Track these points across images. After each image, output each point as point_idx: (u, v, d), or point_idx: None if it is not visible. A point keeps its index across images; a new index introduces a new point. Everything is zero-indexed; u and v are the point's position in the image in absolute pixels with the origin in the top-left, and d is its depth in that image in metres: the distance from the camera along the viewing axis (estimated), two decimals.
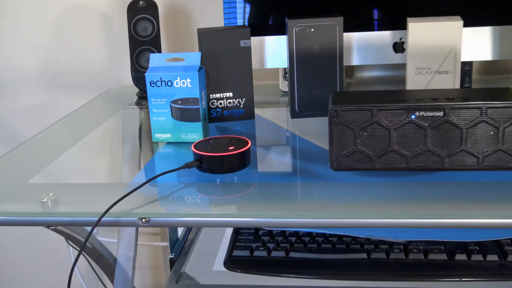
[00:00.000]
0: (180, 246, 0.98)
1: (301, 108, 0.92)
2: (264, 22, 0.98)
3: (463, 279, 0.75)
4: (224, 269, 0.83)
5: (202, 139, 0.79)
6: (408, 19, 0.84)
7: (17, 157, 0.81)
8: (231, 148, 0.72)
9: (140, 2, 1.06)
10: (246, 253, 0.85)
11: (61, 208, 0.64)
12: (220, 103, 0.93)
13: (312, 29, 0.87)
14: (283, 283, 0.82)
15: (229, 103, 0.93)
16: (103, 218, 0.61)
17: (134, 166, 0.81)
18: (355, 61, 0.99)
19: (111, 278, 0.98)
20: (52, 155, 0.82)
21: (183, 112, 0.82)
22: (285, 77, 1.11)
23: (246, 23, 0.98)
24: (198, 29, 0.89)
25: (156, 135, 0.84)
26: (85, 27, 1.25)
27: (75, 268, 1.38)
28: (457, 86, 0.86)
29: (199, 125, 0.83)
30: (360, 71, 1.10)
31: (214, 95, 0.93)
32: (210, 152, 0.71)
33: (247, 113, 0.93)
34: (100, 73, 1.27)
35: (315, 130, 0.88)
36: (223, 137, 0.76)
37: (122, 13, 1.22)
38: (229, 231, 0.99)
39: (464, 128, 0.63)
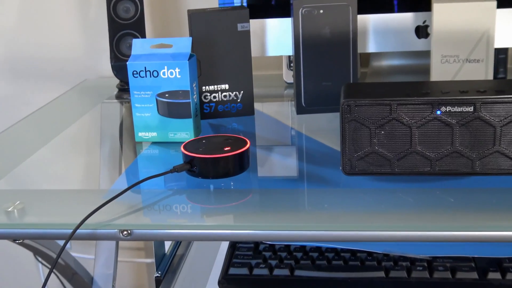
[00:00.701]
0: (167, 263, 0.98)
1: (309, 102, 0.92)
2: (265, 3, 0.98)
3: None
4: None
5: (193, 138, 0.80)
6: None
7: None
8: (227, 149, 0.72)
9: None
10: (244, 270, 0.85)
11: (29, 219, 0.64)
12: (214, 97, 0.93)
13: (321, 11, 0.87)
14: None
15: (225, 96, 0.93)
16: (78, 231, 0.62)
17: (114, 170, 0.80)
18: (371, 47, 0.98)
19: None
20: (18, 157, 0.82)
21: (171, 107, 0.82)
22: (290, 66, 1.11)
23: (245, 4, 0.98)
24: (189, 11, 0.89)
25: (140, 134, 0.84)
26: (57, 7, 1.24)
27: None
28: (490, 77, 0.86)
29: (189, 122, 0.83)
30: (377, 60, 1.09)
31: (207, 87, 0.92)
32: (203, 154, 0.71)
33: (246, 108, 0.93)
34: (75, 61, 1.26)
35: (324, 128, 0.88)
36: (218, 136, 0.77)
37: None
38: (224, 246, 0.97)
39: (498, 126, 0.63)
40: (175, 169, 0.71)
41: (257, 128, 0.90)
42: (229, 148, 0.72)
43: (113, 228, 0.62)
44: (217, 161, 0.71)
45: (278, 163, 0.77)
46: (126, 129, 0.94)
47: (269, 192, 0.69)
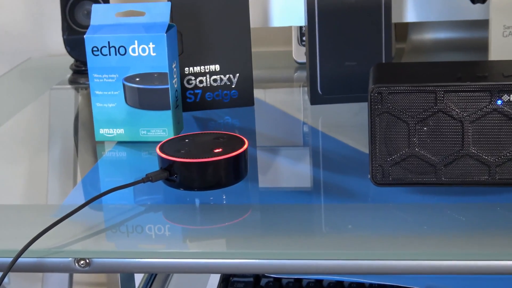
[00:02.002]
0: None
1: (326, 89, 0.92)
2: None
3: None
4: None
5: (172, 137, 0.80)
6: None
7: None
8: (217, 150, 0.72)
9: None
10: None
11: None
12: (201, 82, 0.93)
13: None
14: None
15: (215, 81, 0.93)
16: (20, 259, 0.61)
17: (67, 179, 0.80)
18: (409, 16, 0.99)
19: None
20: None
21: (144, 95, 0.83)
22: (302, 41, 1.11)
23: None
24: None
25: (101, 131, 0.84)
26: None
27: None
28: None
29: (167, 115, 0.83)
30: (418, 32, 1.09)
31: (191, 68, 0.92)
32: (185, 157, 0.71)
33: (243, 97, 0.93)
34: (15, 34, 1.26)
35: (347, 123, 0.88)
36: (206, 134, 0.77)
37: None
38: (214, 280, 0.99)
39: None
40: (149, 178, 0.71)
41: (258, 123, 0.91)
42: (220, 150, 0.72)
43: (66, 256, 0.62)
44: (204, 167, 0.71)
45: (286, 170, 0.77)
46: (83, 125, 0.94)
47: (274, 208, 0.69)
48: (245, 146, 0.73)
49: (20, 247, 0.61)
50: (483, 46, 1.02)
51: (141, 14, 0.82)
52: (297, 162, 0.79)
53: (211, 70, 0.93)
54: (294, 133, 0.87)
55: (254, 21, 1.00)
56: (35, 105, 1.02)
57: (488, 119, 0.66)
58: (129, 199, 0.72)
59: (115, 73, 0.83)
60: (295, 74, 1.10)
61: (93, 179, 0.77)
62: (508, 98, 0.65)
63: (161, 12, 0.82)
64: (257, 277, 0.91)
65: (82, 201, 0.68)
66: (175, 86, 0.84)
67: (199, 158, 0.71)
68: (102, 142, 0.85)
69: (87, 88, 1.07)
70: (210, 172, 0.71)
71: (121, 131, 0.84)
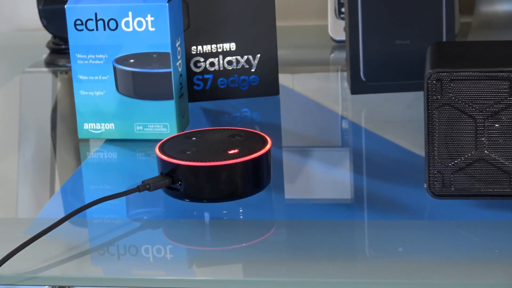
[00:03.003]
0: None
1: (371, 74, 0.93)
2: None
3: None
4: None
5: (176, 134, 0.80)
6: None
7: None
8: (232, 152, 0.73)
9: None
10: None
11: None
12: (212, 64, 0.94)
13: None
14: None
15: (229, 63, 0.94)
16: None
17: (42, 187, 0.81)
18: None
19: None
20: None
21: (140, 80, 0.83)
22: (340, 13, 1.12)
23: None
24: None
25: (86, 126, 0.85)
26: None
27: None
28: None
29: (169, 106, 0.84)
30: (488, 3, 1.10)
31: (200, 48, 0.93)
32: (192, 160, 0.72)
33: (265, 84, 0.94)
34: None
35: (396, 118, 0.88)
36: (218, 131, 0.77)
37: None
38: None
39: None
40: (146, 186, 0.71)
41: (284, 117, 0.91)
42: (236, 151, 0.72)
43: (41, 283, 0.62)
44: (216, 173, 0.71)
45: (319, 177, 0.78)
46: (63, 118, 0.95)
47: (304, 225, 0.69)
48: (268, 146, 0.73)
49: None
50: None
51: None
52: (334, 167, 0.80)
53: (225, 50, 0.93)
54: (329, 131, 0.88)
55: None
56: (2, 92, 1.03)
57: None
58: (121, 212, 0.72)
59: (103, 53, 0.84)
60: (332, 55, 1.11)
61: (75, 187, 0.78)
62: None
63: None
64: None
65: (62, 215, 0.68)
66: (180, 69, 0.85)
67: (209, 161, 0.71)
68: (87, 140, 0.86)
69: (68, 71, 1.08)
70: (223, 179, 0.72)
71: (111, 126, 0.85)
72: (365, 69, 0.92)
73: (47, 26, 1.12)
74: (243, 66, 0.94)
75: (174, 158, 0.72)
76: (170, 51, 0.82)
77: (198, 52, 0.93)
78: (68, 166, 0.83)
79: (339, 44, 1.12)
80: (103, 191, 0.72)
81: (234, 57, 0.94)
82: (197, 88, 0.94)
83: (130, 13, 0.82)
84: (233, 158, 0.71)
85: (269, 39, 0.93)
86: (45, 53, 1.14)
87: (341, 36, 1.11)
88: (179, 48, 0.85)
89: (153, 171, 0.75)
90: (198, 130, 0.78)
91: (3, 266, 0.62)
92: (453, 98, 0.67)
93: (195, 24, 0.92)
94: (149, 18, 0.82)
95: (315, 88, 0.99)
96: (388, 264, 0.62)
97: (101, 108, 0.85)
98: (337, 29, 1.12)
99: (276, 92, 0.94)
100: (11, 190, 0.80)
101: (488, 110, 0.66)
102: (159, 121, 0.84)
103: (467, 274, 0.61)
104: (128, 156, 0.83)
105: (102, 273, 0.64)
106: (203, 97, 0.94)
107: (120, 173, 0.82)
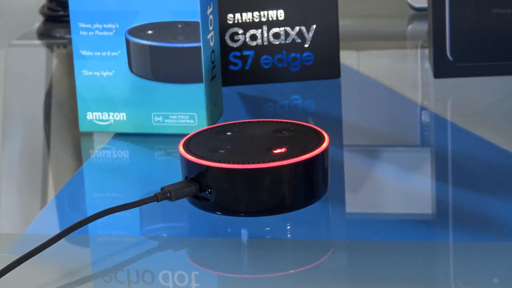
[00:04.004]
0: None
1: (460, 52, 0.92)
2: None
3: None
4: None
5: (206, 127, 0.80)
6: None
7: None
8: (279, 151, 0.72)
9: None
10: None
11: None
12: (254, 37, 0.94)
13: None
14: None
15: (276, 36, 0.94)
16: None
17: (32, 194, 0.80)
18: None
19: None
20: None
21: (161, 57, 0.83)
22: None
23: None
24: None
25: (90, 116, 0.86)
26: None
27: None
28: None
29: (198, 91, 0.84)
30: None
31: (238, 16, 0.93)
32: (226, 161, 0.71)
33: (322, 64, 0.94)
34: None
35: (493, 110, 0.87)
36: (260, 124, 0.78)
37: None
38: None
39: None
40: (166, 194, 0.71)
41: (347, 107, 0.90)
42: (283, 150, 0.72)
43: None
44: (257, 178, 0.71)
45: (391, 186, 0.77)
46: (60, 106, 0.95)
47: (370, 248, 0.69)
48: (325, 145, 0.73)
49: None
50: None
51: None
52: (410, 173, 0.79)
53: (270, 19, 0.93)
54: (406, 125, 0.86)
55: None
56: None
57: None
58: (133, 228, 0.73)
59: (113, 22, 0.84)
60: (409, 26, 1.10)
61: (74, 195, 0.78)
62: None
63: None
64: None
65: (56, 230, 0.67)
66: (211, 44, 0.84)
67: (248, 163, 0.71)
68: (91, 134, 0.86)
69: (67, 45, 1.08)
70: (266, 186, 0.71)
71: (121, 116, 0.85)
72: (453, 45, 0.91)
73: None
74: (293, 40, 0.93)
75: (203, 158, 0.72)
76: (199, 20, 0.82)
77: (236, 21, 0.93)
78: (65, 168, 0.83)
79: (419, 13, 1.11)
80: (110, 200, 0.72)
81: (282, 29, 0.93)
82: (233, 69, 0.94)
83: None
84: (279, 160, 0.71)
85: (328, 5, 0.92)
86: (38, 21, 1.14)
87: (422, 2, 1.11)
88: (211, 16, 0.84)
89: (176, 175, 0.75)
90: (235, 123, 0.78)
91: None
92: None
93: None
94: None
95: (387, 70, 0.98)
96: None
97: (110, 93, 0.85)
98: None
99: (337, 75, 0.94)
100: None
101: None
102: (184, 111, 0.84)
103: None
104: (144, 156, 0.83)
105: None
106: (241, 79, 0.94)
107: (133, 177, 0.82)
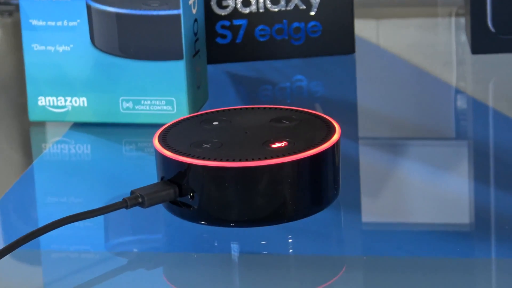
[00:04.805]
0: None
1: (504, 22, 0.92)
2: None
3: None
4: None
5: (187, 115, 0.81)
6: None
7: None
8: (278, 145, 0.71)
9: None
10: None
11: None
12: (247, 3, 0.93)
13: None
14: None
15: (275, 1, 0.94)
16: None
17: None
18: None
19: None
20: None
21: (131, 28, 0.83)
22: None
23: None
24: None
25: (41, 101, 0.87)
26: None
27: None
28: None
29: (177, 70, 0.84)
30: None
31: None
32: (212, 158, 0.71)
33: (332, 36, 0.94)
34: None
35: None
36: (254, 111, 0.79)
37: None
38: None
39: None
40: (137, 199, 0.71)
41: (362, 90, 0.89)
42: (284, 145, 0.71)
43: None
44: (251, 179, 0.71)
45: (417, 189, 0.78)
46: (4, 87, 0.95)
47: (390, 265, 0.69)
48: (335, 138, 0.73)
49: None
50: None
51: None
52: (443, 173, 0.79)
53: None
54: (437, 112, 0.86)
55: None
56: None
57: None
58: (96, 241, 0.73)
59: None
60: None
61: (22, 200, 0.77)
62: None
63: None
64: None
65: (0, 245, 0.68)
66: (194, 11, 0.84)
67: (240, 160, 0.70)
68: (43, 124, 0.87)
69: (12, 12, 1.08)
70: (262, 189, 0.71)
71: (81, 101, 0.85)
72: (495, 14, 0.91)
73: None
74: (296, 6, 0.93)
75: (184, 154, 0.71)
76: None
77: None
78: (11, 166, 0.82)
79: None
80: (68, 207, 0.71)
81: None
82: (221, 42, 0.94)
83: None
84: (278, 156, 0.70)
85: None
86: None
87: None
88: None
89: (150, 176, 0.75)
90: (223, 110, 0.77)
91: None
92: None
93: None
94: None
95: (414, 44, 0.98)
96: None
97: (67, 73, 0.85)
98: None
99: (350, 50, 0.94)
100: None
101: None
102: (160, 95, 0.85)
103: None
104: (109, 151, 0.83)
105: None
106: (231, 55, 0.95)
107: (96, 178, 0.81)
